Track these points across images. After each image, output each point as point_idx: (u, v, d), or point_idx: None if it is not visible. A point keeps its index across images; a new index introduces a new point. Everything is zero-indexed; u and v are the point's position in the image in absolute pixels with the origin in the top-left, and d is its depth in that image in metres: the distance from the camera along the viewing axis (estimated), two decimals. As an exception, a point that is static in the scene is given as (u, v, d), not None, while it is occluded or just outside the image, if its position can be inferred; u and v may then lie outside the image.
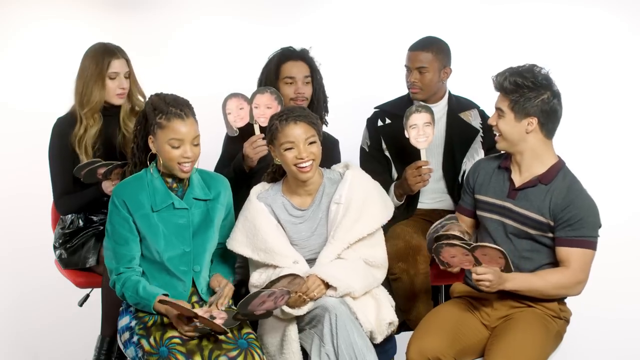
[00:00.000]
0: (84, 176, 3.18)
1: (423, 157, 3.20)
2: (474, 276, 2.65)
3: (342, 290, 2.77)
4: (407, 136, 3.20)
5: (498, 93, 2.79)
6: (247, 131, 3.27)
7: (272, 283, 2.68)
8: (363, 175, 2.99)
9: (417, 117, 3.19)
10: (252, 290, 2.82)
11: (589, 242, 2.74)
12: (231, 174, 3.19)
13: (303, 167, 2.82)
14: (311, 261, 2.87)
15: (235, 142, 3.32)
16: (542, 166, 2.80)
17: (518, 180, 2.84)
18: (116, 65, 3.28)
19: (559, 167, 2.81)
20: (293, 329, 2.78)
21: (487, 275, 2.63)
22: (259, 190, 2.98)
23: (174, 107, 2.73)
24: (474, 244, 2.63)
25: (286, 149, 2.81)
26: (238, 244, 2.89)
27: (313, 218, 2.91)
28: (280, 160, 2.88)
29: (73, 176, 3.26)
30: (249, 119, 3.28)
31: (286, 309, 2.73)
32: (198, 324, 2.63)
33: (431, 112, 3.21)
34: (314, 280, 2.75)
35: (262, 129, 3.26)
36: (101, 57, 3.27)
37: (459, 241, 2.68)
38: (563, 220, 2.73)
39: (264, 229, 2.86)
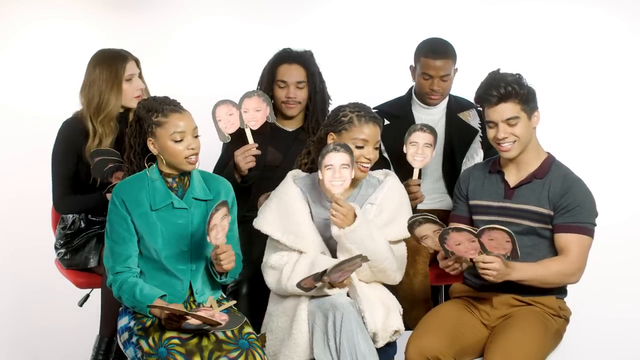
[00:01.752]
0: (96, 163, 3.10)
1: (415, 175, 3.18)
2: (480, 265, 2.62)
3: (360, 220, 2.74)
4: (404, 151, 3.19)
5: (491, 109, 2.78)
6: (242, 133, 3.27)
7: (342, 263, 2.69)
8: (401, 186, 3.00)
9: (420, 135, 3.19)
10: (268, 270, 2.86)
11: (586, 229, 2.76)
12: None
13: (364, 167, 2.84)
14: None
15: (234, 143, 3.31)
16: (537, 161, 2.84)
17: (513, 180, 2.86)
18: (130, 67, 3.23)
19: (551, 161, 2.86)
20: (304, 308, 2.79)
21: (494, 264, 2.61)
22: (295, 174, 2.99)
23: (167, 104, 2.77)
24: (482, 227, 2.60)
25: (357, 147, 2.82)
26: (268, 224, 2.89)
27: None
28: None
29: (74, 180, 3.24)
30: (240, 124, 3.28)
31: (326, 289, 2.76)
32: (190, 321, 2.64)
33: (435, 135, 3.20)
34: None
35: (253, 133, 3.26)
36: (114, 62, 3.21)
37: (467, 226, 2.68)
38: (562, 207, 2.76)
39: (298, 213, 2.87)
